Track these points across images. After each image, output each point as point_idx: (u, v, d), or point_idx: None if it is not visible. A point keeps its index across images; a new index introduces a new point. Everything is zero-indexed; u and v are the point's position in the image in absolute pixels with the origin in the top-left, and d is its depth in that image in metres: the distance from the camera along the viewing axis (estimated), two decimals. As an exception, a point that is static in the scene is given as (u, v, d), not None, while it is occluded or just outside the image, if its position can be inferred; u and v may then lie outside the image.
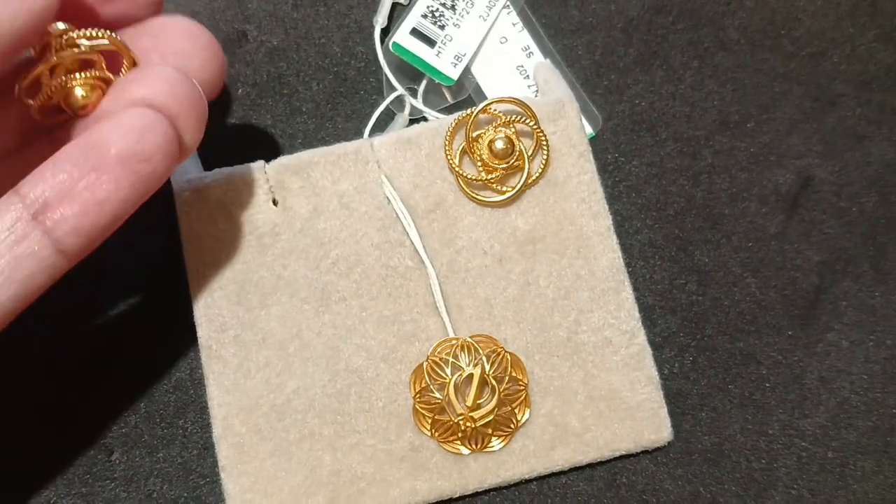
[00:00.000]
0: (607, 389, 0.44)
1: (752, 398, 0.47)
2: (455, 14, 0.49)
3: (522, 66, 0.50)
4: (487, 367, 0.43)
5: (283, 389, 0.43)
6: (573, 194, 0.44)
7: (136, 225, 0.47)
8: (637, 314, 0.45)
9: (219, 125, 0.50)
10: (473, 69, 0.50)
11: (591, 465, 0.45)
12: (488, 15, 0.49)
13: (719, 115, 0.50)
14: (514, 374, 0.44)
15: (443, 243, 0.44)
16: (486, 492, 0.45)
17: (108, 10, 0.36)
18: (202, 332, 0.44)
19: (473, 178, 0.44)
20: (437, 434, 0.43)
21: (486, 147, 0.44)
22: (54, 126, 0.36)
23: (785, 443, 0.47)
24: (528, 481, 0.46)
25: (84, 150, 0.32)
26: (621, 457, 0.45)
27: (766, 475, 0.47)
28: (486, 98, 0.49)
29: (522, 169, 0.44)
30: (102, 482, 0.46)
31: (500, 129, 0.44)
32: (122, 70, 0.35)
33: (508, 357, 0.44)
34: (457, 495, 0.44)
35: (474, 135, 0.44)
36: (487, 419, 0.43)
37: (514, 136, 0.44)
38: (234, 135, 0.50)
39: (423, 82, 0.49)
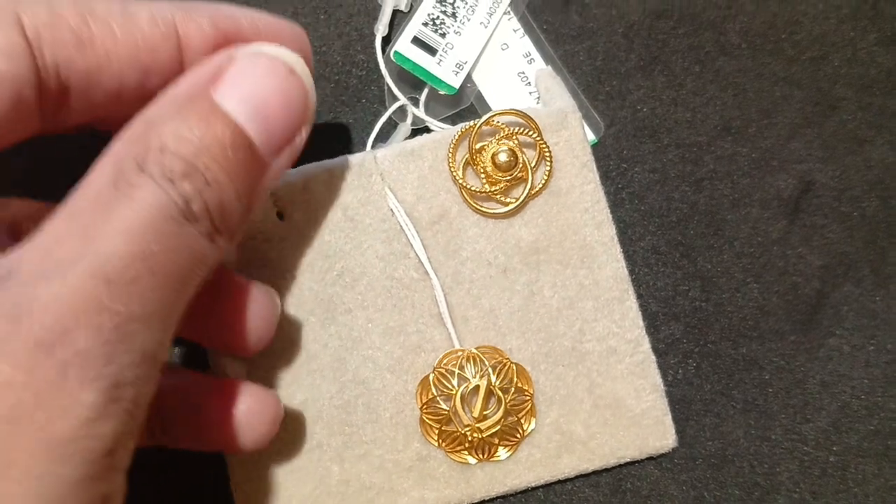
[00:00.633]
0: (612, 398, 0.45)
1: (755, 403, 0.48)
2: (456, 21, 0.49)
3: (524, 73, 0.50)
4: (493, 378, 0.43)
5: (291, 401, 0.44)
6: (576, 204, 0.45)
7: None
8: (641, 323, 0.45)
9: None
10: (475, 76, 0.50)
11: (596, 472, 0.46)
12: (489, 22, 0.49)
13: (721, 120, 0.50)
14: (519, 384, 0.44)
15: (447, 254, 0.45)
16: (492, 500, 0.46)
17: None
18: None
19: (477, 189, 0.44)
20: (444, 444, 0.44)
21: (489, 159, 0.44)
22: None
23: (787, 447, 0.47)
24: (534, 489, 0.46)
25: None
26: (627, 463, 0.46)
27: (769, 479, 0.47)
28: (487, 106, 0.50)
29: (526, 180, 0.44)
30: None
31: (502, 141, 0.44)
32: None
33: (514, 368, 0.44)
34: None
35: (477, 147, 0.44)
36: (494, 429, 0.43)
37: (517, 148, 0.44)
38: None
39: (425, 91, 0.49)
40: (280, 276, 0.44)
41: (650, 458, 0.46)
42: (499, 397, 0.43)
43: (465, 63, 0.49)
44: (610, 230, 0.45)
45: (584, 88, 0.50)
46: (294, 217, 0.44)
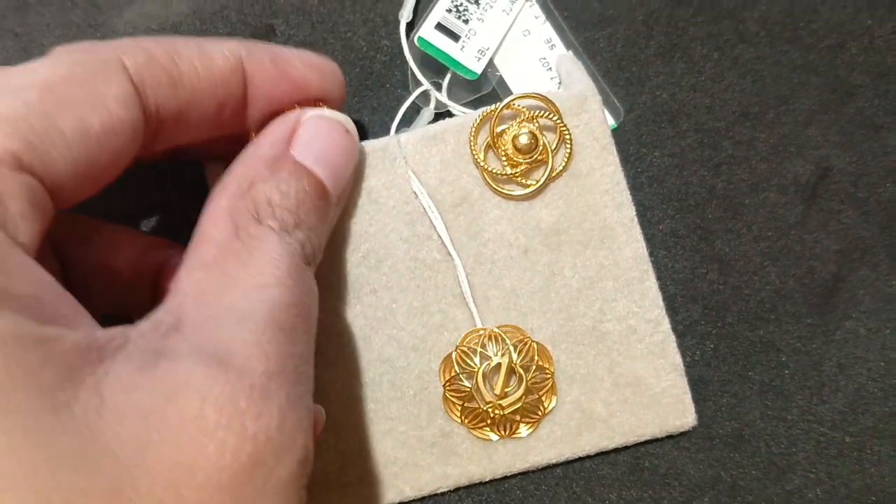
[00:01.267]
0: (632, 377, 0.45)
1: (772, 385, 0.48)
2: (479, 8, 0.50)
3: (545, 59, 0.51)
4: (515, 357, 0.44)
5: (318, 379, 0.44)
6: (597, 186, 0.45)
7: (170, 221, 0.48)
8: (661, 303, 0.46)
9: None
10: (497, 62, 0.50)
11: (615, 450, 0.47)
12: (511, 9, 0.50)
13: (739, 106, 0.51)
14: (540, 362, 0.45)
15: (469, 236, 0.45)
16: (513, 476, 0.47)
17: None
18: None
19: (498, 172, 0.45)
20: (466, 421, 0.45)
21: (510, 142, 0.45)
22: None
23: (804, 428, 0.48)
24: (554, 466, 0.47)
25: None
26: (645, 442, 0.46)
27: (786, 459, 0.48)
28: (509, 90, 0.50)
29: (546, 163, 0.45)
30: None
31: (523, 124, 0.45)
32: None
33: (535, 346, 0.45)
34: (486, 480, 0.45)
35: (498, 130, 0.45)
36: (515, 406, 0.44)
37: (537, 131, 0.44)
38: (262, 128, 0.51)
39: (448, 76, 0.50)
40: None
41: (668, 437, 0.47)
42: (520, 375, 0.44)
43: (488, 49, 0.50)
44: (630, 211, 0.46)
45: (605, 74, 0.51)
46: (319, 199, 0.45)
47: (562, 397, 0.45)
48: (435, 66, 0.50)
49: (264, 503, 0.28)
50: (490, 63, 0.50)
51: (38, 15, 0.52)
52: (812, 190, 0.50)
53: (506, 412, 0.44)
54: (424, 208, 0.45)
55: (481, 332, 0.45)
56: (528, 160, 0.44)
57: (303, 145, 0.37)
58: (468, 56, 0.49)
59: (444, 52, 0.49)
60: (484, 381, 0.44)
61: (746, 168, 0.50)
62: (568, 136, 0.45)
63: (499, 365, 0.44)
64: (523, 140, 0.44)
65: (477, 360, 0.44)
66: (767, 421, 0.48)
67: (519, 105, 0.45)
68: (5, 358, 0.24)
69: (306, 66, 0.40)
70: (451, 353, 0.45)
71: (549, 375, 0.45)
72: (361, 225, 0.45)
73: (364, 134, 0.48)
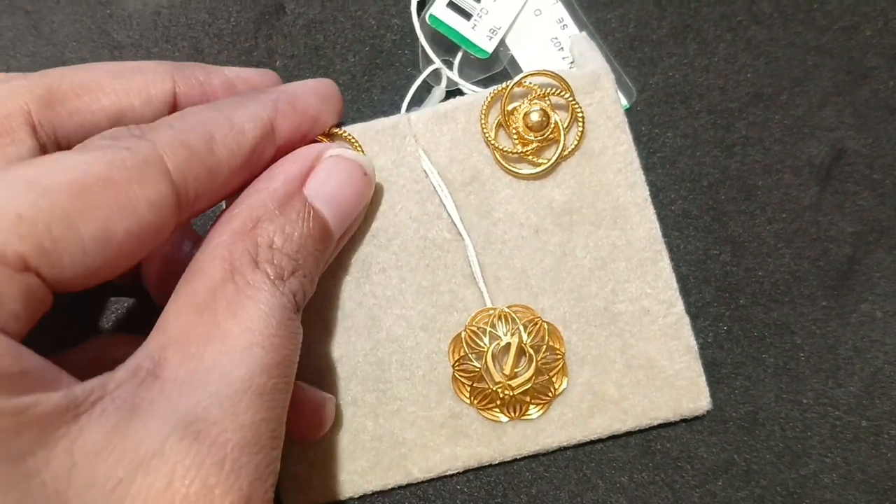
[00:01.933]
0: (645, 358, 0.45)
1: (787, 367, 0.48)
2: (491, -12, 0.49)
3: (557, 39, 0.50)
4: (525, 337, 0.44)
5: (328, 357, 0.45)
6: (609, 165, 0.45)
7: None
8: (674, 284, 0.45)
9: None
10: (508, 41, 0.50)
11: (626, 433, 0.46)
12: (523, -12, 0.50)
13: (753, 87, 0.50)
14: (551, 343, 0.44)
15: (480, 215, 0.45)
16: (522, 458, 0.46)
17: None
18: None
19: (509, 150, 0.45)
20: (475, 401, 0.44)
21: (521, 120, 0.44)
22: None
23: (819, 412, 0.48)
24: (564, 449, 0.46)
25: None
26: (658, 425, 0.46)
27: (800, 443, 0.47)
28: (520, 70, 0.50)
29: (558, 141, 0.44)
30: None
31: (535, 101, 0.44)
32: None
33: (546, 327, 0.44)
34: (496, 462, 0.45)
35: (510, 108, 0.45)
36: (525, 387, 0.44)
37: (549, 109, 0.44)
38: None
39: (459, 55, 0.50)
40: None
41: (682, 420, 0.46)
42: (530, 355, 0.44)
43: (499, 28, 0.49)
44: (643, 191, 0.45)
45: (617, 55, 0.51)
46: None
47: (573, 379, 0.45)
48: (446, 44, 0.49)
49: None
50: (502, 42, 0.50)
51: (47, -6, 0.52)
52: (826, 171, 0.49)
53: (515, 393, 0.44)
54: (434, 187, 0.45)
55: (491, 311, 0.44)
56: (539, 138, 0.44)
57: (317, 185, 0.38)
58: (480, 35, 0.49)
59: (455, 31, 0.49)
60: (493, 361, 0.44)
61: (760, 149, 0.50)
62: (580, 115, 0.44)
63: (508, 345, 0.44)
64: (534, 117, 0.44)
65: (486, 340, 0.44)
66: (782, 404, 0.48)
67: (530, 83, 0.45)
68: None
69: (319, 99, 0.41)
70: (460, 333, 0.44)
71: (559, 356, 0.44)
72: (371, 203, 0.45)
73: (374, 113, 0.48)
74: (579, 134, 0.44)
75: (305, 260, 0.36)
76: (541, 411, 0.45)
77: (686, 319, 0.45)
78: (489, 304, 0.45)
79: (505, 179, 0.45)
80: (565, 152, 0.45)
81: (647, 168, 0.49)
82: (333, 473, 0.45)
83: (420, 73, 0.49)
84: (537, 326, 0.44)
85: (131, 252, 0.32)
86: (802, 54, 0.50)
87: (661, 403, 0.45)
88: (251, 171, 0.38)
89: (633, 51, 0.51)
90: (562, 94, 0.44)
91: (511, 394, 0.44)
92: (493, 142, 0.44)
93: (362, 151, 0.44)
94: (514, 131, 0.44)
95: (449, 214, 0.45)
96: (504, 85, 0.45)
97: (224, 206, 0.41)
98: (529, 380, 0.44)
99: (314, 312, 0.45)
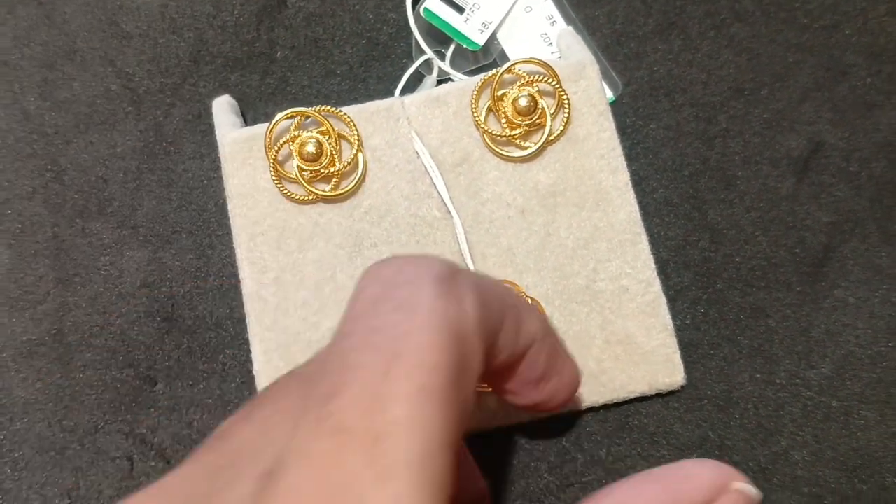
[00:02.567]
0: (624, 335, 0.47)
1: (761, 349, 0.50)
2: (484, -17, 0.51)
3: (546, 34, 0.52)
4: (508, 311, 0.45)
5: (319, 328, 0.46)
6: (593, 151, 0.47)
7: (187, 183, 0.50)
8: (653, 264, 0.47)
9: (260, 85, 0.53)
10: (499, 36, 0.52)
11: (604, 408, 0.48)
12: (515, -15, 0.52)
13: (734, 82, 0.52)
14: (535, 318, 0.46)
15: (469, 195, 0.47)
16: (504, 430, 0.48)
17: None
18: (245, 273, 0.47)
19: (498, 134, 0.47)
20: None
21: (510, 104, 0.46)
22: None
23: (791, 392, 0.49)
24: (544, 420, 0.48)
25: None
26: (634, 400, 0.48)
27: (773, 422, 0.49)
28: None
29: (544, 126, 0.47)
30: (146, 410, 0.49)
31: (523, 87, 0.46)
32: None
33: (529, 302, 0.46)
34: (478, 432, 0.46)
35: (499, 93, 0.47)
36: None
37: (536, 95, 0.46)
38: (273, 93, 0.52)
39: (452, 47, 0.52)
40: (311, 212, 0.47)
41: (658, 397, 0.48)
42: None
43: (491, 23, 0.51)
44: (625, 176, 0.47)
45: (604, 50, 0.53)
46: (325, 156, 0.47)
47: None
48: (439, 37, 0.52)
49: None
50: (493, 36, 0.52)
51: (59, -17, 0.54)
52: (804, 163, 0.51)
53: None
54: (426, 167, 0.47)
55: None
56: (527, 122, 0.46)
57: None
58: (472, 28, 0.51)
59: (448, 24, 0.51)
60: None
61: (740, 141, 0.52)
62: (566, 101, 0.46)
63: None
64: (523, 102, 0.46)
65: None
66: (755, 384, 0.49)
67: (520, 70, 0.47)
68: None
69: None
70: None
71: None
72: (365, 182, 0.47)
73: (370, 101, 0.50)
74: (565, 120, 0.47)
75: None
76: None
77: (663, 298, 0.47)
78: None
79: (493, 162, 0.47)
80: (551, 137, 0.47)
81: (631, 158, 0.51)
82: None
83: (414, 63, 0.51)
84: None
85: None
86: (783, 51, 0.52)
87: (638, 378, 0.47)
88: None
89: (620, 46, 0.53)
90: (549, 81, 0.46)
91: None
92: (482, 125, 0.47)
93: (358, 132, 0.47)
94: (504, 115, 0.47)
95: (439, 194, 0.47)
96: (494, 71, 0.47)
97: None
98: None
99: (310, 284, 0.46)
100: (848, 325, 0.50)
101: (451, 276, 0.27)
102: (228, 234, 0.48)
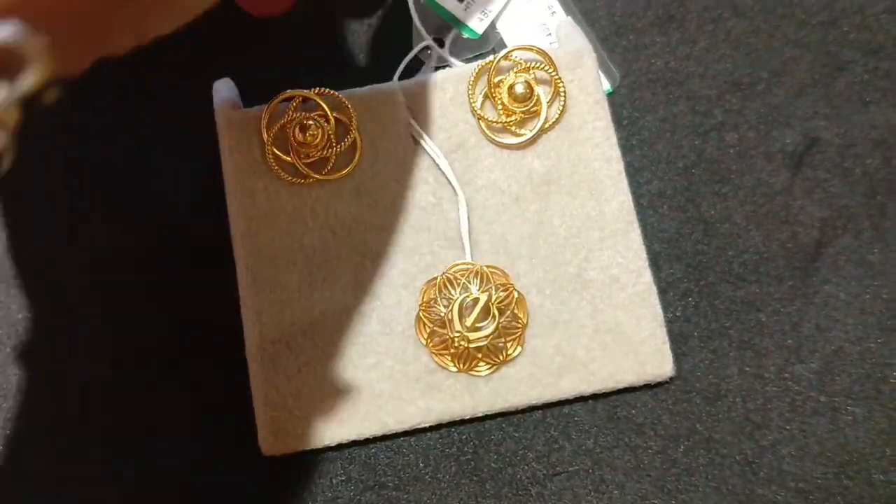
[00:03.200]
0: (613, 324, 0.47)
1: (751, 343, 0.50)
2: (484, -28, 0.51)
3: (545, 24, 0.52)
4: (494, 296, 0.46)
5: (312, 310, 0.46)
6: (588, 139, 0.47)
7: (183, 169, 0.50)
8: (644, 255, 0.47)
9: (260, 70, 0.53)
10: (499, 25, 0.52)
11: (593, 398, 0.48)
12: (515, -25, 0.52)
13: (731, 76, 0.52)
14: (516, 311, 0.46)
15: (463, 182, 0.47)
16: (494, 417, 0.48)
17: None
18: (239, 253, 0.47)
19: (494, 120, 0.47)
20: (430, 344, 0.46)
21: (506, 91, 0.47)
22: None
23: (780, 386, 0.49)
24: (533, 409, 0.48)
25: None
26: (623, 390, 0.48)
27: (761, 415, 0.49)
28: (509, 52, 0.52)
29: (540, 114, 0.47)
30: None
31: (520, 74, 0.47)
32: None
33: (515, 295, 0.46)
34: (468, 416, 0.47)
35: (496, 80, 0.47)
36: (480, 343, 0.45)
37: (533, 82, 0.46)
38: (274, 80, 0.52)
39: (451, 34, 0.52)
40: (306, 195, 0.47)
41: (647, 388, 0.48)
42: (494, 315, 0.45)
43: (490, 11, 0.51)
44: (618, 165, 0.47)
45: (603, 41, 0.53)
46: (319, 140, 0.47)
47: (544, 341, 0.47)
48: (439, 24, 0.52)
49: None
50: (492, 25, 0.52)
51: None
52: (799, 158, 0.51)
53: (470, 346, 0.45)
54: (426, 151, 0.47)
55: (469, 266, 0.46)
56: (522, 109, 0.46)
57: None
58: (471, 16, 0.51)
59: (448, 12, 0.51)
60: (459, 311, 0.46)
61: (735, 135, 0.52)
62: (562, 89, 0.47)
63: (477, 300, 0.45)
64: (519, 89, 0.46)
65: (458, 291, 0.46)
66: (744, 377, 0.49)
67: (517, 57, 0.47)
68: None
69: None
70: (436, 277, 0.46)
71: (520, 326, 0.46)
72: (360, 165, 0.47)
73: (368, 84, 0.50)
74: (561, 108, 0.47)
75: None
76: (489, 370, 0.46)
77: (654, 289, 0.47)
78: (469, 259, 0.47)
79: (489, 149, 0.47)
80: (547, 125, 0.47)
81: (627, 149, 0.51)
82: (311, 422, 0.46)
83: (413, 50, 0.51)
84: (508, 292, 0.46)
85: None
86: (781, 46, 0.53)
87: (627, 368, 0.47)
88: None
89: (619, 38, 0.53)
90: (546, 68, 0.47)
91: (466, 345, 0.45)
92: (478, 112, 0.47)
93: (355, 116, 0.47)
94: (500, 102, 0.47)
95: (435, 179, 0.47)
96: (492, 58, 0.47)
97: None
98: (487, 337, 0.45)
99: (301, 267, 0.47)
100: (838, 321, 0.50)
101: None
102: (224, 217, 0.48)
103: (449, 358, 0.46)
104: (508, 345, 0.46)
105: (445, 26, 0.52)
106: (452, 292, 0.46)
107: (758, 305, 0.50)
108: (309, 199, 0.47)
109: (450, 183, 0.47)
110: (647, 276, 0.47)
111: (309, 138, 0.46)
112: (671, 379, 0.48)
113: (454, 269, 0.47)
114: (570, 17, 0.51)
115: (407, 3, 0.51)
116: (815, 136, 0.51)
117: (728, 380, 0.49)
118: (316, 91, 0.47)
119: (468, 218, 0.47)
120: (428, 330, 0.46)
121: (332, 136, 0.47)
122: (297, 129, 0.46)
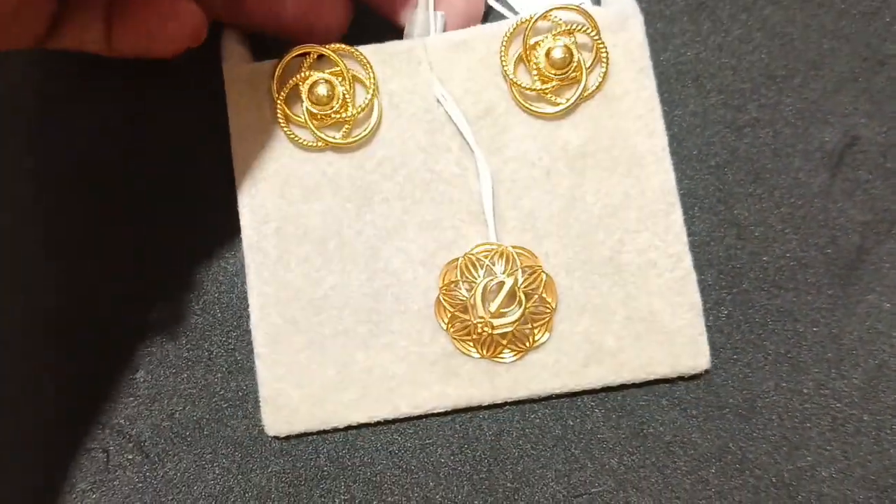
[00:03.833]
0: (647, 311, 0.43)
1: (788, 356, 0.46)
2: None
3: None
4: (521, 280, 0.42)
5: (321, 285, 0.43)
6: (630, 111, 0.44)
7: (187, 133, 0.47)
8: (685, 238, 0.44)
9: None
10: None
11: (617, 414, 0.45)
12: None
13: (766, 68, 0.49)
14: (544, 295, 0.43)
15: (490, 152, 0.43)
16: (509, 434, 0.45)
17: None
18: (245, 221, 0.44)
19: (527, 87, 0.43)
20: (452, 329, 0.43)
21: (543, 55, 0.43)
22: None
23: (819, 403, 0.46)
24: (552, 426, 0.45)
25: None
26: (649, 406, 0.45)
27: (799, 434, 0.46)
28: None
29: (579, 81, 0.43)
30: (126, 399, 0.46)
31: (559, 37, 0.43)
32: None
33: (544, 278, 0.43)
34: (486, 404, 0.44)
35: (532, 42, 0.43)
36: (505, 330, 0.42)
37: (573, 46, 0.43)
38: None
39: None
40: (319, 159, 0.44)
41: (676, 405, 0.45)
42: (520, 300, 0.42)
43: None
44: (662, 140, 0.44)
45: (629, 28, 0.50)
46: (337, 100, 0.44)
47: (571, 327, 0.43)
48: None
49: None
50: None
51: None
52: (838, 158, 0.48)
53: (494, 333, 0.42)
54: (449, 116, 0.43)
55: (494, 247, 0.43)
56: (560, 76, 0.43)
57: None
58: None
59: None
60: (483, 296, 0.42)
61: (770, 132, 0.48)
62: (605, 55, 0.43)
63: (502, 283, 0.42)
64: (557, 54, 0.42)
65: (482, 273, 0.43)
66: (781, 393, 0.46)
67: (556, 17, 0.43)
68: None
69: None
70: (457, 259, 0.43)
71: (548, 310, 0.43)
72: (379, 130, 0.44)
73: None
74: (602, 75, 0.43)
75: None
76: (515, 357, 0.43)
77: (693, 276, 0.44)
78: (493, 239, 0.43)
79: (520, 117, 0.44)
80: (586, 93, 0.43)
81: (655, 144, 0.47)
82: (320, 401, 0.43)
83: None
84: (535, 274, 0.43)
85: None
86: (819, 37, 0.50)
87: (660, 359, 0.43)
88: None
89: (646, 26, 0.49)
90: (588, 31, 0.43)
91: (490, 332, 0.42)
92: (511, 76, 0.43)
93: (374, 75, 0.43)
94: (535, 67, 0.43)
95: (458, 148, 0.44)
96: (528, 16, 0.43)
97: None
98: (513, 323, 0.42)
99: (312, 238, 0.43)
100: (882, 333, 0.47)
101: None
102: (230, 187, 0.45)
103: (471, 344, 0.43)
104: (536, 330, 0.43)
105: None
106: (475, 275, 0.43)
107: (795, 315, 0.47)
108: (322, 165, 0.44)
109: (463, 159, 0.44)
110: (687, 262, 0.44)
111: (323, 99, 0.43)
112: (702, 395, 0.45)
113: (477, 249, 0.43)
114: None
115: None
116: (856, 133, 0.48)
117: (763, 395, 0.46)
118: (332, 47, 0.43)
119: (493, 192, 0.43)
120: (448, 314, 0.43)
121: (348, 98, 0.43)
122: (310, 89, 0.43)
